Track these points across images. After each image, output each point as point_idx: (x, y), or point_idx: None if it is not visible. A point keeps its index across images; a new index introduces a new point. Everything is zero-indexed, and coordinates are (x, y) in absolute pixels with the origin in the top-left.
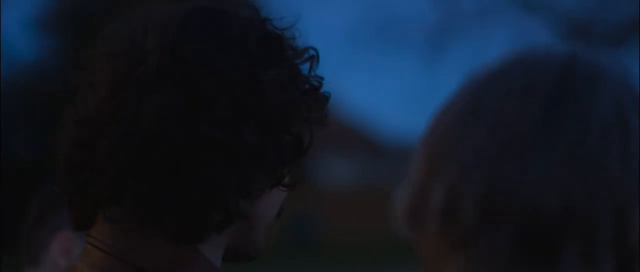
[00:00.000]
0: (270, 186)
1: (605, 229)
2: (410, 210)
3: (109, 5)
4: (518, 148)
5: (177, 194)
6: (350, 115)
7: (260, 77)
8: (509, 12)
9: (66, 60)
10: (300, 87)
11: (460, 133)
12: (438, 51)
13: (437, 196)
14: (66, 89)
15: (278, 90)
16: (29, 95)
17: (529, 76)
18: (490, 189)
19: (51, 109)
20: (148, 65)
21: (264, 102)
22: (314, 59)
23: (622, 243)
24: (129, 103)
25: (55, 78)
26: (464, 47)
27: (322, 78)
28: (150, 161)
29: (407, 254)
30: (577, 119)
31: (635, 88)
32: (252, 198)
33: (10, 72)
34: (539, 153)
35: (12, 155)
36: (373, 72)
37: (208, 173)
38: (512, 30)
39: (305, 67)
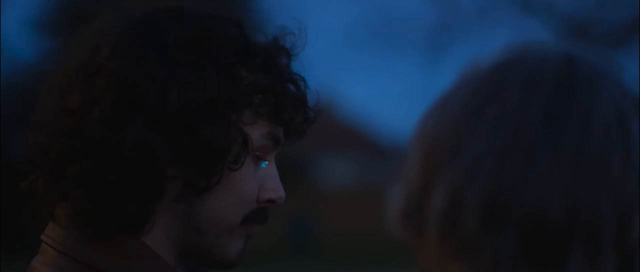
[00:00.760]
0: (182, 185)
1: (609, 231)
2: (406, 213)
3: (108, 6)
4: (521, 151)
5: (85, 189)
6: (350, 116)
7: (160, 77)
8: (509, 13)
9: None
10: (225, 87)
11: (461, 136)
12: (437, 52)
13: (437, 201)
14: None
15: (186, 90)
16: (28, 96)
17: (529, 77)
18: (493, 194)
19: None
20: (71, 68)
21: (158, 101)
22: (284, 57)
23: (624, 243)
24: (55, 103)
25: None
26: (464, 47)
27: (300, 77)
28: (65, 161)
29: (406, 255)
30: (579, 120)
31: (634, 89)
32: (148, 197)
33: (10, 73)
34: (542, 156)
35: (12, 155)
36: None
37: (94, 170)
38: (512, 31)
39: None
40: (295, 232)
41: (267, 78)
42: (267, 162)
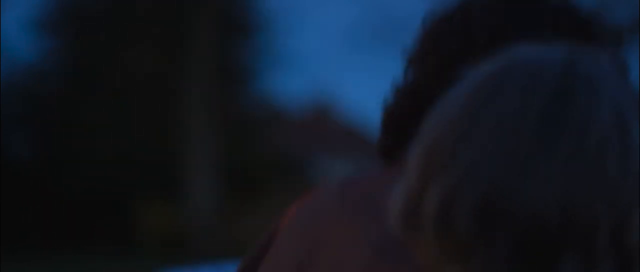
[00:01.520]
0: None
1: (605, 234)
2: (404, 215)
3: (109, 6)
4: (517, 156)
5: None
6: (349, 117)
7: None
8: None
9: (66, 61)
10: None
11: (458, 139)
12: None
13: (432, 204)
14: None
15: None
16: (28, 96)
17: (527, 80)
18: (488, 198)
19: (51, 109)
20: (475, 45)
21: None
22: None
23: (622, 246)
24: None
25: (55, 79)
26: None
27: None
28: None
29: None
30: (576, 124)
31: (635, 88)
32: None
33: (10, 73)
34: (538, 160)
35: (12, 155)
36: (372, 73)
37: None
38: None
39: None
40: None
41: None
42: None
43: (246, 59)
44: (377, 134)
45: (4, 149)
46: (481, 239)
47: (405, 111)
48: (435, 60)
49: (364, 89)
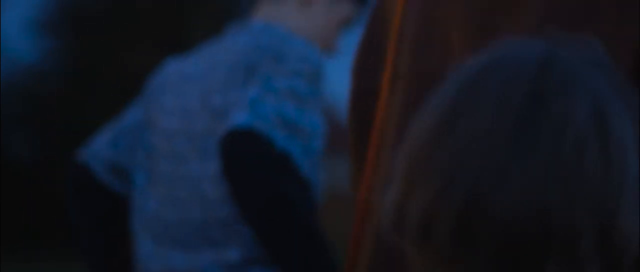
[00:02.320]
0: None
1: (588, 238)
2: (392, 222)
3: (109, 6)
4: (492, 164)
5: None
6: None
7: None
8: None
9: (66, 61)
10: None
11: (435, 148)
12: None
13: (413, 216)
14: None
15: None
16: (28, 96)
17: (503, 85)
18: (464, 209)
19: (51, 109)
20: None
21: None
22: None
23: (608, 250)
24: None
25: (55, 79)
26: None
27: None
28: None
29: None
30: (551, 127)
31: (619, 80)
32: None
33: (10, 73)
34: (514, 166)
35: (12, 155)
36: None
37: None
38: None
39: None
40: None
41: None
42: None
43: None
44: None
45: (4, 149)
46: (460, 249)
47: None
48: None
49: None
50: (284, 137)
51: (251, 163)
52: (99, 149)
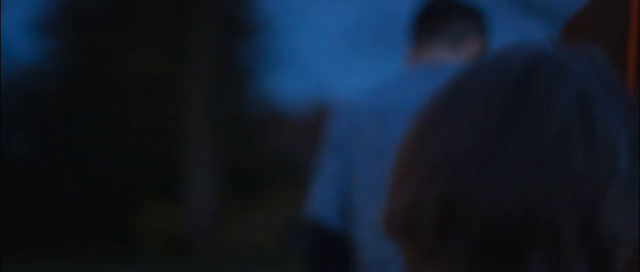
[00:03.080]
0: None
1: (570, 231)
2: (387, 217)
3: (109, 6)
4: (476, 156)
5: None
6: None
7: None
8: (510, 15)
9: (66, 61)
10: None
11: (420, 145)
12: None
13: (399, 209)
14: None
15: None
16: (28, 96)
17: (491, 81)
18: (447, 201)
19: (51, 109)
20: None
21: None
22: None
23: (593, 244)
24: None
25: (55, 79)
26: None
27: None
28: None
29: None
30: (534, 120)
31: (610, 75)
32: None
33: (10, 74)
34: (497, 159)
35: (12, 155)
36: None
37: None
38: (513, 33)
39: None
40: (294, 233)
41: None
42: None
43: (246, 59)
44: None
45: (4, 149)
46: (444, 241)
47: None
48: None
49: (364, 90)
50: None
51: None
52: None
